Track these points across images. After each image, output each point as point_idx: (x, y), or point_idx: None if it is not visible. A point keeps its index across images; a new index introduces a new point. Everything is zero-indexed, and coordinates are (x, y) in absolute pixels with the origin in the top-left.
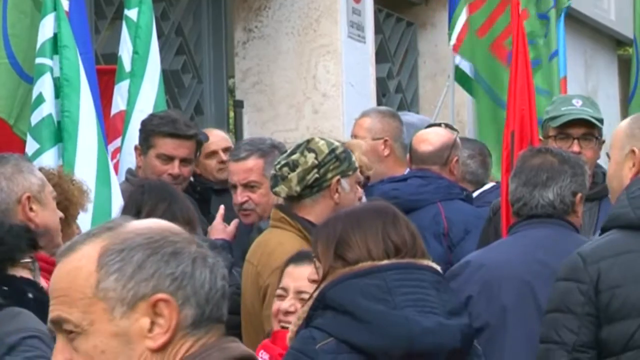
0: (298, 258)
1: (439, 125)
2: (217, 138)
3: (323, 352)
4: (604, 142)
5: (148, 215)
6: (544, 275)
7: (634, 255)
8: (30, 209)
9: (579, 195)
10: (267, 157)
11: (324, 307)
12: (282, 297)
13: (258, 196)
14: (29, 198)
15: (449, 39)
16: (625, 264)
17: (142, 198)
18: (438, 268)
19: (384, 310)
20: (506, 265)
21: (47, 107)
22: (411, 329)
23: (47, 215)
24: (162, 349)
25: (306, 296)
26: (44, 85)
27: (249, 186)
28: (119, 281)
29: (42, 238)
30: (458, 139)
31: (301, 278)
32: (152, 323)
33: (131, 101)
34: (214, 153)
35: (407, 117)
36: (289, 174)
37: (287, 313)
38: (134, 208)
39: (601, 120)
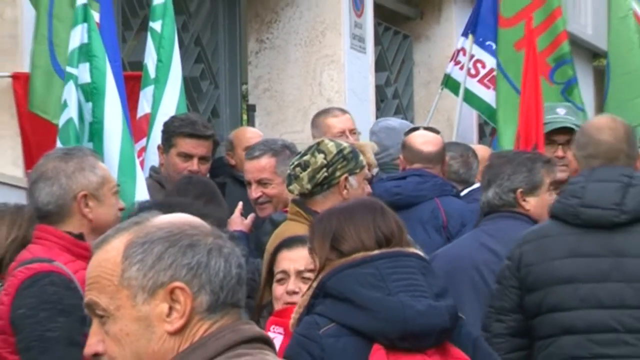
0: (289, 242)
1: (424, 128)
2: (254, 134)
3: (326, 336)
4: None
5: (183, 210)
6: (493, 261)
7: (549, 240)
8: (86, 205)
9: (519, 190)
10: (279, 156)
11: (324, 295)
12: (283, 281)
13: (271, 191)
14: (85, 196)
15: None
16: (540, 247)
17: (186, 189)
18: (423, 254)
19: (379, 297)
20: (463, 256)
21: (70, 112)
22: (405, 312)
23: (102, 212)
24: (179, 331)
25: (307, 275)
26: (69, 92)
27: (262, 183)
28: (140, 271)
29: (96, 232)
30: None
31: (298, 260)
32: (170, 308)
33: (155, 105)
34: (249, 147)
35: (389, 122)
36: (300, 173)
37: (292, 293)
38: (175, 195)
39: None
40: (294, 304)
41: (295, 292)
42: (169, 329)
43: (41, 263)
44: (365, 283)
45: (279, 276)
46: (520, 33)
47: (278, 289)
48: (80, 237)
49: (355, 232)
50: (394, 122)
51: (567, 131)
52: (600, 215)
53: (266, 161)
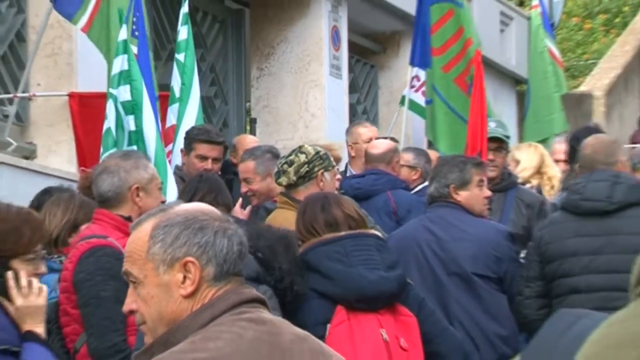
0: None
1: (386, 137)
2: (252, 140)
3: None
4: (509, 151)
5: (201, 198)
6: (431, 240)
7: (559, 225)
8: (137, 195)
9: (452, 185)
10: (258, 160)
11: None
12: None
13: (253, 186)
14: (137, 188)
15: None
16: (554, 230)
17: (198, 185)
18: (379, 234)
19: (342, 269)
20: (409, 236)
21: (109, 122)
22: (362, 281)
23: (149, 202)
24: (191, 295)
25: None
26: (110, 108)
27: (247, 180)
28: (161, 248)
29: None
30: (398, 147)
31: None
32: (184, 277)
33: (179, 118)
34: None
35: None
36: (287, 169)
37: None
38: (192, 190)
39: (509, 137)
40: None
41: None
42: (183, 293)
43: (98, 239)
44: (332, 258)
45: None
46: (447, 59)
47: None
48: (129, 219)
49: (326, 217)
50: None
51: (497, 140)
52: (595, 206)
53: (248, 164)
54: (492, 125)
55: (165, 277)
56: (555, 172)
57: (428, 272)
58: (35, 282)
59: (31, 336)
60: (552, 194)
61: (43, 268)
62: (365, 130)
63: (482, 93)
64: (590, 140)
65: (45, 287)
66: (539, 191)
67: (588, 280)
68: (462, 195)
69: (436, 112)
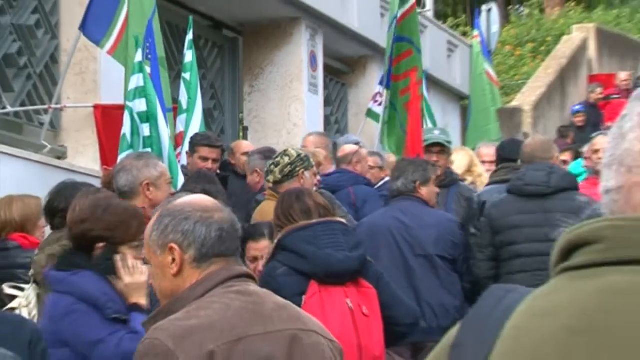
0: (255, 236)
1: (358, 142)
2: (247, 145)
3: (281, 275)
4: (451, 154)
5: (203, 191)
6: (400, 227)
7: (506, 204)
8: (148, 189)
9: (417, 182)
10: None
11: (281, 249)
12: (255, 260)
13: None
14: (147, 184)
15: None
16: (502, 208)
17: (199, 178)
18: (344, 221)
19: (314, 250)
20: (381, 224)
21: (125, 129)
22: (330, 260)
23: (159, 195)
24: (178, 274)
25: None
26: (126, 118)
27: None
28: (156, 235)
29: (154, 208)
30: (363, 151)
31: (263, 249)
32: (172, 259)
33: (186, 126)
34: (246, 153)
35: (350, 137)
36: (274, 169)
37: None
38: (192, 184)
39: (450, 142)
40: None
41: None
42: (171, 272)
43: None
44: (305, 241)
45: (250, 258)
46: (402, 86)
47: (251, 266)
48: (142, 209)
49: (300, 207)
50: (341, 138)
51: (440, 145)
52: (535, 190)
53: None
54: (436, 132)
55: (160, 259)
56: (482, 170)
57: (397, 253)
58: (139, 263)
59: (136, 307)
60: (481, 188)
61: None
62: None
63: (418, 112)
64: (530, 141)
65: (146, 268)
66: (470, 193)
67: (529, 247)
68: (424, 191)
69: (391, 123)
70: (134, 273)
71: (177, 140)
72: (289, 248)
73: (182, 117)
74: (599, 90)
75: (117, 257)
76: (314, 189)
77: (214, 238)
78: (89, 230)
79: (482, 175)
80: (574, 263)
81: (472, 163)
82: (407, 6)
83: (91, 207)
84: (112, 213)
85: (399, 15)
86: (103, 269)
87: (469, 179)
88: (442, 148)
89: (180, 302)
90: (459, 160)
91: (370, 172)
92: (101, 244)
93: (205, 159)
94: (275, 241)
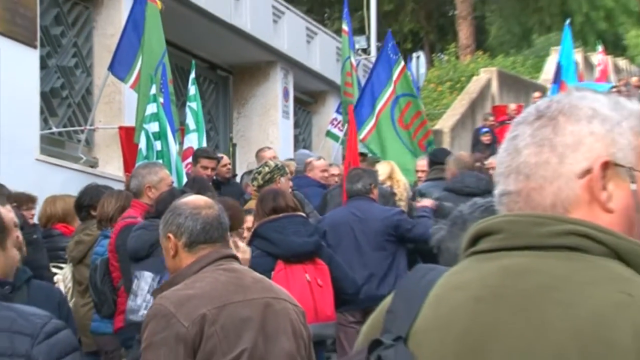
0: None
1: (320, 157)
2: (227, 160)
3: (256, 256)
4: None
5: (197, 192)
6: (357, 221)
7: (448, 199)
8: (150, 191)
9: (372, 185)
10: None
11: (256, 236)
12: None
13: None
14: (149, 187)
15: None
16: (444, 201)
17: (192, 184)
18: (304, 215)
19: (281, 237)
20: (341, 218)
21: (140, 145)
22: (293, 245)
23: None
24: (175, 256)
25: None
26: (142, 137)
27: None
28: (162, 227)
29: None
30: (314, 162)
31: (250, 221)
32: (172, 245)
33: (199, 144)
34: (225, 164)
35: (304, 151)
36: (257, 176)
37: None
38: (189, 187)
39: (366, 154)
40: None
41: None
42: (171, 255)
43: (130, 219)
44: (275, 230)
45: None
46: (413, 129)
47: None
48: (150, 206)
49: (271, 203)
50: (304, 153)
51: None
52: (470, 190)
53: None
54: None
55: (165, 244)
56: (400, 177)
57: (353, 240)
58: (241, 244)
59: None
60: (398, 190)
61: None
62: (318, 163)
63: (354, 134)
64: (458, 155)
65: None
66: (392, 189)
67: None
68: (375, 192)
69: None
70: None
71: (186, 154)
72: (262, 235)
73: (190, 137)
74: (490, 118)
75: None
76: (289, 190)
77: (199, 230)
78: None
79: (400, 180)
80: (480, 248)
81: (393, 172)
82: (399, 69)
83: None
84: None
85: (395, 77)
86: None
87: (388, 182)
88: (364, 157)
89: (180, 277)
90: (382, 169)
91: (332, 178)
92: None
93: (205, 168)
94: (252, 230)
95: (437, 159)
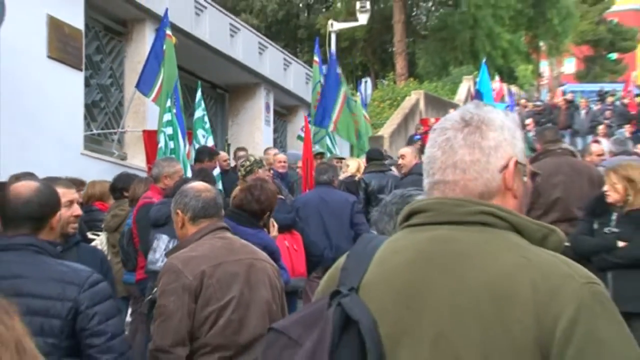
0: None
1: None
2: (225, 155)
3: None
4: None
5: (202, 180)
6: (322, 202)
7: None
8: (166, 179)
9: (334, 176)
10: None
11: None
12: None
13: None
14: (166, 176)
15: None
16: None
17: (199, 174)
18: (283, 197)
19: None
20: (309, 200)
21: (160, 144)
22: (276, 219)
23: (172, 183)
24: (183, 227)
25: None
26: (161, 138)
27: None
28: (173, 205)
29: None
30: (277, 157)
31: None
32: (180, 219)
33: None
34: (225, 159)
35: (292, 152)
36: (241, 168)
37: None
38: (195, 176)
39: (323, 153)
40: None
41: None
42: (179, 226)
43: (148, 199)
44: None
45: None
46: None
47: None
48: (164, 189)
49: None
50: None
51: (320, 154)
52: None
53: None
54: (317, 147)
55: (175, 218)
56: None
57: (319, 217)
58: (273, 221)
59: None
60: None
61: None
62: (280, 156)
63: (308, 139)
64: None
65: (276, 225)
66: (358, 181)
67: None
68: (335, 182)
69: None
70: (274, 229)
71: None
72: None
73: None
74: (421, 128)
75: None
76: (269, 178)
77: (200, 207)
78: (259, 206)
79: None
80: (413, 222)
81: (359, 167)
82: (343, 92)
83: (257, 188)
84: (265, 190)
85: (340, 97)
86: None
87: (358, 175)
88: (322, 155)
89: (186, 242)
90: (352, 165)
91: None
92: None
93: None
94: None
95: (374, 156)
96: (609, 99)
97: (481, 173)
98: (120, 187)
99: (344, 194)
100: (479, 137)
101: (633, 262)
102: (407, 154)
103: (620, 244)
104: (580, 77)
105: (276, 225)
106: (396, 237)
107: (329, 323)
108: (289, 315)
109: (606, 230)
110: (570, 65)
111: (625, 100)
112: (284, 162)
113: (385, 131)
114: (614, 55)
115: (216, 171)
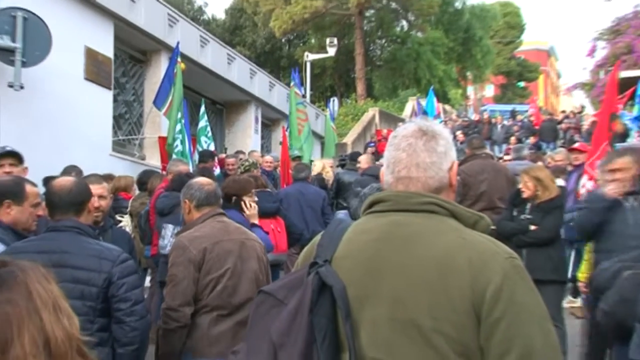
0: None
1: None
2: (232, 161)
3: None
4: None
5: (205, 176)
6: (300, 194)
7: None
8: (188, 177)
9: (309, 175)
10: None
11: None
12: None
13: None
14: (170, 173)
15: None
16: (363, 183)
17: (202, 171)
18: (270, 190)
19: (258, 202)
20: (290, 192)
21: (177, 148)
22: (264, 207)
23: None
24: (189, 213)
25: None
26: (177, 145)
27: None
28: (182, 195)
29: None
30: (264, 158)
31: None
32: (187, 206)
33: (214, 147)
34: (230, 164)
35: (274, 153)
36: (240, 168)
37: None
38: (199, 174)
39: (301, 156)
40: None
41: None
42: (186, 212)
43: (162, 189)
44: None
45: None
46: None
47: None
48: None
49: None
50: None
51: (298, 157)
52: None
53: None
54: (296, 152)
55: (183, 205)
56: (329, 169)
57: (298, 206)
58: (253, 204)
59: (254, 225)
60: (327, 176)
61: (254, 199)
62: (267, 157)
63: (285, 145)
64: (365, 157)
65: (255, 206)
66: (323, 178)
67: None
68: (310, 179)
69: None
70: (252, 210)
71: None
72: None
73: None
74: (375, 137)
75: (243, 203)
76: (260, 175)
77: (203, 197)
78: (229, 191)
79: (329, 172)
80: (375, 209)
81: (325, 167)
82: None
83: (230, 180)
84: (238, 181)
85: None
86: (239, 208)
87: (323, 173)
88: (300, 158)
89: (192, 225)
90: (318, 165)
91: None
92: (234, 197)
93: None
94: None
95: (352, 159)
96: (519, 117)
97: (437, 172)
98: (144, 180)
99: (318, 189)
100: (434, 144)
101: (541, 242)
102: (362, 160)
103: (532, 227)
104: (497, 99)
105: (250, 204)
106: (361, 221)
107: (308, 287)
108: (274, 281)
109: (522, 217)
110: (489, 90)
111: (532, 118)
112: (270, 162)
113: (349, 139)
114: (522, 84)
115: (217, 171)
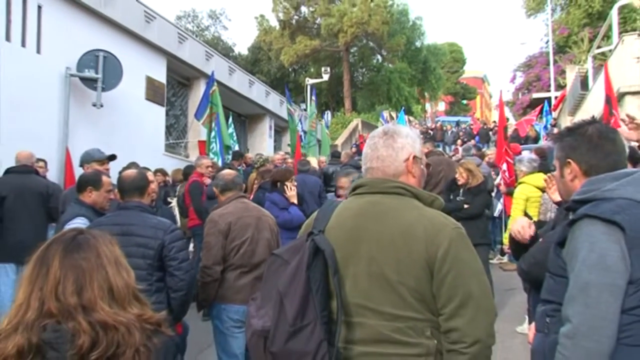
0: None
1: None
2: (249, 156)
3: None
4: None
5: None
6: (305, 184)
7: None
8: (198, 168)
9: (310, 168)
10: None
11: (261, 188)
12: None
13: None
14: (198, 166)
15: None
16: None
17: (227, 167)
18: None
19: (261, 196)
20: (297, 181)
21: (214, 148)
22: (260, 200)
23: (200, 170)
24: (218, 196)
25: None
26: (213, 146)
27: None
28: (214, 182)
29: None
30: (284, 158)
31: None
32: (216, 191)
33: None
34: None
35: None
36: (257, 162)
37: None
38: (226, 169)
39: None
40: None
41: None
42: (217, 196)
43: (194, 177)
44: (263, 189)
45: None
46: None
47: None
48: (202, 174)
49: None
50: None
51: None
52: (354, 167)
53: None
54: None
55: (215, 190)
56: (314, 164)
57: (302, 192)
58: (293, 187)
59: (293, 204)
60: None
61: (294, 184)
62: (277, 155)
63: (299, 148)
64: (347, 152)
65: (295, 189)
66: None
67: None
68: (311, 170)
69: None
70: (291, 191)
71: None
72: (265, 187)
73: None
74: (358, 140)
75: (286, 185)
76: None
77: (223, 184)
78: (275, 177)
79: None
80: (357, 192)
81: (318, 162)
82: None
83: (275, 170)
84: (281, 170)
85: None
86: (282, 191)
87: (317, 167)
88: (304, 155)
89: (221, 205)
90: (313, 161)
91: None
92: (279, 182)
93: (236, 161)
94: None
95: (334, 155)
96: (462, 125)
97: (392, 162)
98: (188, 172)
99: (316, 179)
100: (392, 141)
101: (471, 217)
102: (343, 155)
103: (465, 206)
104: (447, 113)
105: (293, 189)
106: (347, 201)
107: (306, 250)
108: (282, 247)
109: (458, 198)
110: (441, 106)
111: (472, 126)
112: (280, 157)
113: (339, 142)
114: (465, 102)
115: (241, 168)
